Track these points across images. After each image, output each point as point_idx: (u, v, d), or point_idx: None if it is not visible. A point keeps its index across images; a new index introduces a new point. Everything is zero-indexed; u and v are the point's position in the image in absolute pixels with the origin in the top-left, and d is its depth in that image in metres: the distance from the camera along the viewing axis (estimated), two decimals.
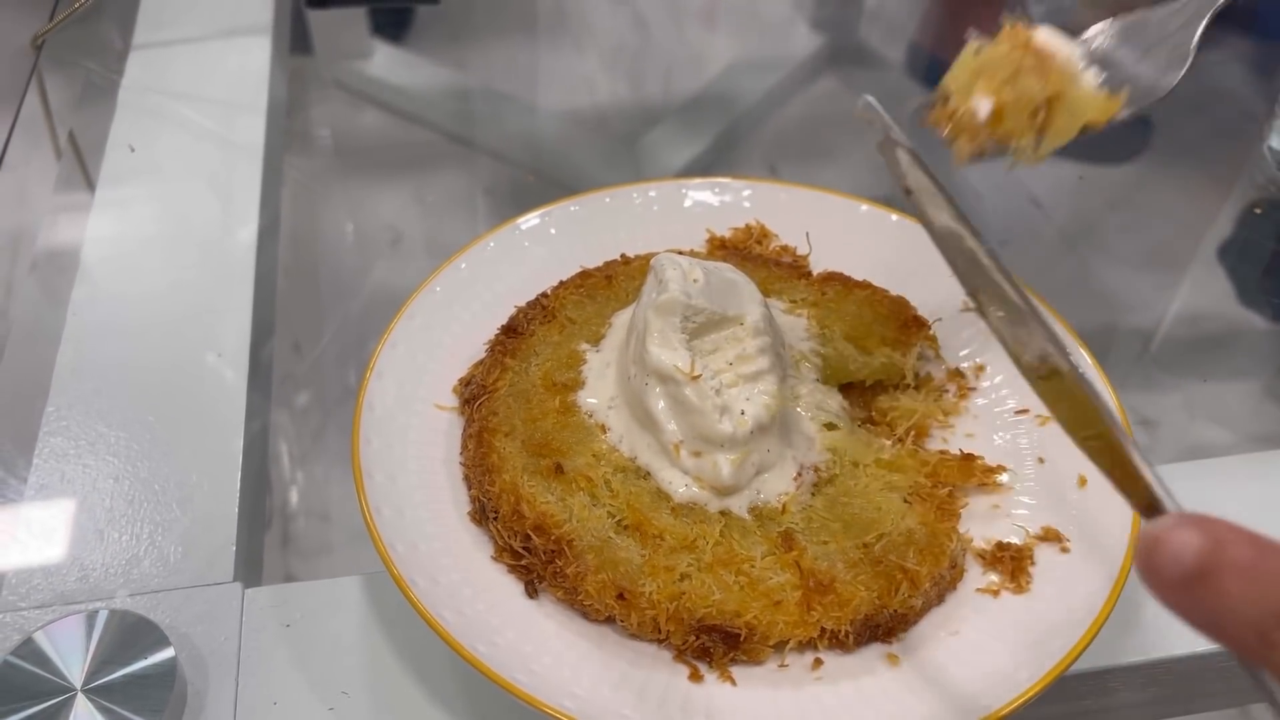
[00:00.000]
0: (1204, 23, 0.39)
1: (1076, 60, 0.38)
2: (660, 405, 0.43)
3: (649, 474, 0.43)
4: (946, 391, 0.49)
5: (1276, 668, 0.25)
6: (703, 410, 0.42)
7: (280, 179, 0.68)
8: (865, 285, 0.52)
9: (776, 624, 0.39)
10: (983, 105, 0.38)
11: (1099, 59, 0.40)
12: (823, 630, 0.39)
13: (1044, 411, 0.47)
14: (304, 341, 0.75)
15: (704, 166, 0.86)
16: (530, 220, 0.55)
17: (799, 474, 0.44)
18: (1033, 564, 0.42)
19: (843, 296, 0.51)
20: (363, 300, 0.78)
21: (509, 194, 0.87)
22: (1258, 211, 0.73)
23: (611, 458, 0.44)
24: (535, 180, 0.86)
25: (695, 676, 0.39)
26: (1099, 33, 0.40)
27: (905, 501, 0.43)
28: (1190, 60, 0.39)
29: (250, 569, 0.47)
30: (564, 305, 0.51)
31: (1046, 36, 0.38)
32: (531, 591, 0.41)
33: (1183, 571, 0.25)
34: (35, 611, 0.43)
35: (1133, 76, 0.39)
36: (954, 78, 0.39)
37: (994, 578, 0.42)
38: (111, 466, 0.48)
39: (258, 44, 0.74)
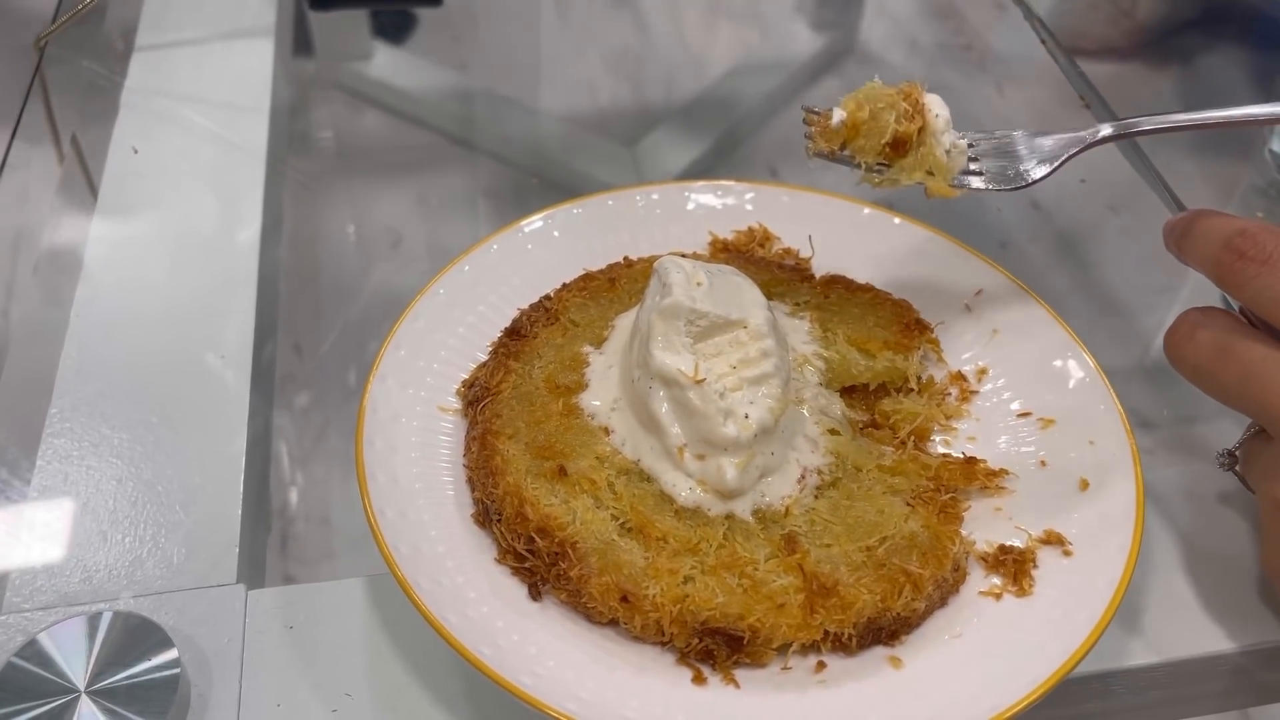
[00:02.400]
0: (1073, 151, 0.47)
1: (943, 125, 0.45)
2: (664, 409, 0.43)
3: (652, 477, 0.43)
4: (949, 394, 0.49)
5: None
6: (707, 414, 0.42)
7: (282, 181, 0.68)
8: (868, 288, 0.53)
9: (780, 627, 0.39)
10: (836, 114, 0.45)
11: (992, 146, 0.47)
12: (826, 633, 0.39)
13: (1046, 414, 0.47)
14: (304, 343, 0.75)
15: (705, 169, 0.86)
16: (533, 223, 0.55)
17: (802, 477, 0.44)
18: (1035, 567, 0.42)
19: (845, 300, 0.52)
20: (363, 302, 0.78)
21: (510, 196, 0.87)
22: (1260, 215, 0.73)
23: (615, 460, 0.44)
24: (537, 182, 0.86)
25: (699, 679, 0.39)
26: (1009, 131, 0.48)
27: (908, 505, 0.44)
28: (1048, 174, 0.46)
29: (253, 571, 0.47)
30: (567, 308, 0.51)
31: (932, 99, 0.45)
32: (535, 594, 0.41)
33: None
34: (38, 613, 0.43)
35: (1001, 167, 0.47)
36: (847, 97, 0.45)
37: (996, 581, 0.42)
38: (114, 468, 0.48)
39: (260, 46, 0.74)
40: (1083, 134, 0.47)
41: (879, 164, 0.45)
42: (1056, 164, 0.46)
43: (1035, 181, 0.46)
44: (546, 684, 0.37)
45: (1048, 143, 0.47)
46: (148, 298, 0.57)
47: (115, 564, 0.45)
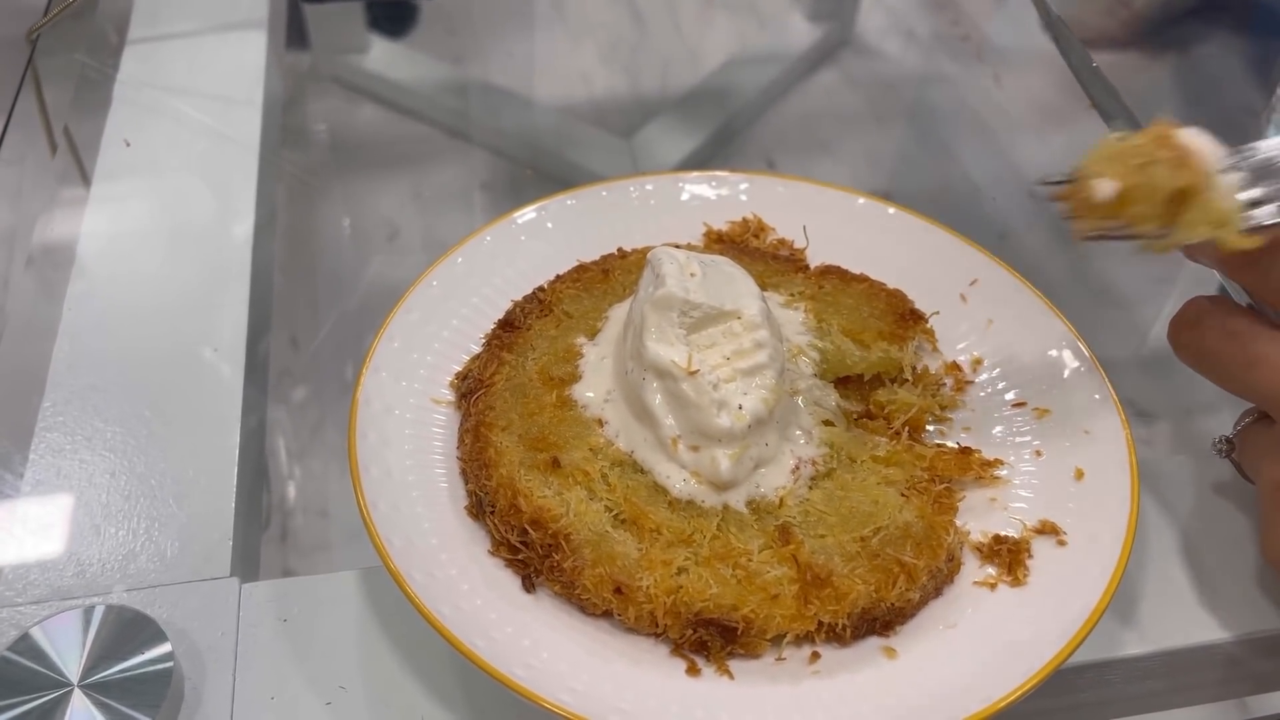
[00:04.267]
0: None
1: (1217, 163, 0.38)
2: (658, 400, 0.43)
3: (646, 468, 0.43)
4: (944, 385, 0.49)
5: None
6: (700, 405, 0.42)
7: (276, 174, 0.68)
8: (862, 279, 0.52)
9: (774, 617, 0.39)
10: (1104, 187, 0.38)
11: (1261, 162, 0.39)
12: (820, 624, 0.39)
13: (1041, 404, 0.47)
14: (301, 336, 0.75)
15: (701, 160, 0.86)
16: (527, 214, 0.55)
17: (796, 468, 0.44)
18: (1030, 557, 0.42)
19: (840, 290, 0.51)
20: (359, 295, 0.78)
21: (506, 188, 0.87)
22: None
23: (608, 452, 0.44)
24: (532, 174, 0.86)
25: (693, 670, 0.39)
26: (1271, 145, 0.39)
27: (902, 495, 0.43)
28: None
29: (247, 564, 0.47)
30: (560, 299, 0.51)
31: (1190, 135, 0.38)
32: (529, 586, 0.41)
33: None
34: (32, 607, 0.43)
35: None
36: (1089, 161, 0.39)
37: (991, 571, 0.42)
38: (108, 462, 0.48)
39: (254, 38, 0.73)
40: None
41: (1160, 229, 0.39)
42: None
43: None
44: (540, 676, 0.37)
45: None
46: (141, 291, 0.57)
47: (108, 557, 0.45)
